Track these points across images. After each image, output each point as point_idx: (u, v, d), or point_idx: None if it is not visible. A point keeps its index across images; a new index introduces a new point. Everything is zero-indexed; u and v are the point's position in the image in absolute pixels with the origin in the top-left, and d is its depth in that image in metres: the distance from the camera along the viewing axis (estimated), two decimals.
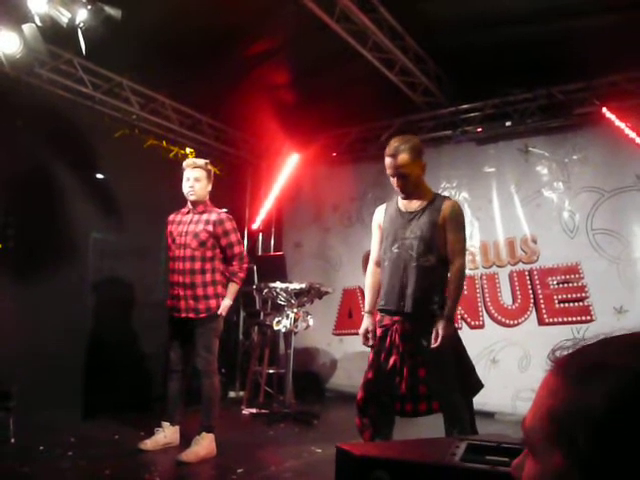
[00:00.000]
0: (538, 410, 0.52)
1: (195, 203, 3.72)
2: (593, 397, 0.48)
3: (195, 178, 3.67)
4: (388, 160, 2.84)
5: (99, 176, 5.09)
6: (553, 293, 5.10)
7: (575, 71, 4.70)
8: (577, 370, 0.51)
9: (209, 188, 3.76)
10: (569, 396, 0.50)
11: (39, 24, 3.34)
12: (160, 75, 4.95)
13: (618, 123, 4.80)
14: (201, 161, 3.79)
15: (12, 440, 3.62)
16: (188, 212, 3.77)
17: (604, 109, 4.84)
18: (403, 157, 2.80)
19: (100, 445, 3.71)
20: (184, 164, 3.76)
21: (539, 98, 5.15)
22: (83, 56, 4.18)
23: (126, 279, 5.08)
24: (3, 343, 3.90)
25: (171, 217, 3.84)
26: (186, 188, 3.68)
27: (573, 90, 5.01)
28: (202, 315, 3.62)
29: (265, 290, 5.09)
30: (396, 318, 2.84)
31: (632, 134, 4.75)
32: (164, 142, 5.60)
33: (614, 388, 0.47)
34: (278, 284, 4.95)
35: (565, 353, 0.54)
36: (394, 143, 2.85)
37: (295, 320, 4.90)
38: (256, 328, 5.81)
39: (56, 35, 3.65)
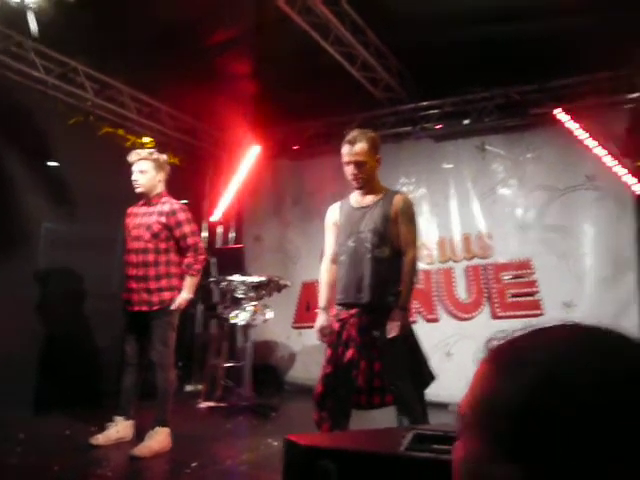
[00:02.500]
0: (469, 397, 0.55)
1: (146, 195, 3.66)
2: (512, 390, 0.50)
3: (140, 170, 3.62)
4: (346, 147, 2.90)
5: (51, 164, 4.93)
6: (505, 288, 5.24)
7: (532, 72, 4.83)
8: (502, 361, 0.54)
9: (160, 178, 3.69)
10: (494, 386, 0.52)
11: None
12: (117, 62, 4.82)
13: (571, 124, 4.95)
14: (144, 152, 3.73)
15: None
16: (143, 204, 3.72)
17: (558, 110, 4.98)
18: (361, 145, 2.86)
19: (50, 441, 3.62)
20: (128, 157, 3.69)
21: (496, 97, 5.27)
22: (35, 39, 4.03)
23: (79, 270, 4.94)
24: None
25: (129, 210, 3.79)
26: (133, 181, 3.64)
27: (529, 91, 5.14)
28: (155, 308, 3.57)
29: (223, 283, 5.05)
30: (353, 312, 2.87)
31: (583, 135, 4.91)
32: (120, 130, 5.47)
33: (526, 385, 0.49)
34: (237, 277, 4.92)
35: (498, 343, 0.56)
36: (354, 132, 2.94)
37: (254, 313, 4.89)
38: (214, 321, 5.76)
39: (6, 16, 3.52)
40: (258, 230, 6.57)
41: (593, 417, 0.46)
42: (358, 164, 2.87)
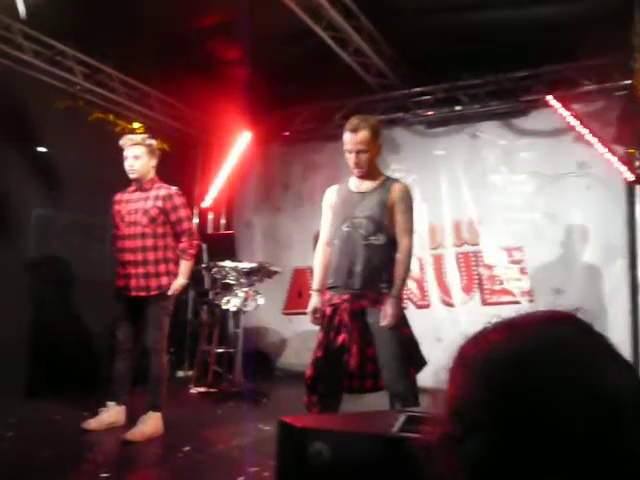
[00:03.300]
0: (445, 395, 0.61)
1: (139, 181, 3.65)
2: (477, 391, 0.57)
3: (134, 156, 3.60)
4: (348, 136, 2.86)
5: (41, 149, 4.88)
6: (496, 275, 5.28)
7: (523, 58, 4.83)
8: (469, 364, 0.60)
9: (152, 163, 3.68)
10: (463, 387, 0.59)
11: None
12: (106, 46, 4.76)
13: (562, 111, 4.97)
14: (138, 137, 3.70)
15: None
16: (135, 190, 3.69)
17: (549, 97, 4.99)
18: (364, 134, 2.83)
19: (42, 426, 3.63)
20: (121, 142, 3.66)
21: (488, 84, 5.26)
22: (23, 21, 3.96)
23: (69, 257, 4.92)
24: None
25: (117, 196, 3.76)
26: (126, 166, 3.62)
27: (520, 77, 5.14)
28: (153, 293, 3.57)
29: (214, 269, 5.05)
30: (345, 297, 2.88)
31: (575, 122, 4.93)
32: (111, 116, 5.41)
33: (488, 387, 0.56)
34: (228, 263, 4.92)
35: (465, 345, 0.62)
36: (355, 120, 2.88)
37: (245, 299, 4.89)
38: (205, 307, 5.77)
39: None
40: (249, 216, 6.56)
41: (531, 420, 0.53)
42: (360, 152, 2.86)
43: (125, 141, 3.65)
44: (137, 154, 3.60)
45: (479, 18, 4.61)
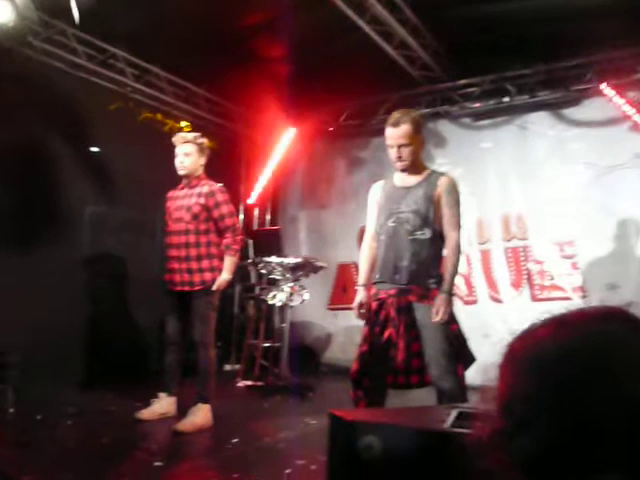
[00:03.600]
0: (495, 391, 0.61)
1: (187, 178, 3.73)
2: (525, 388, 0.57)
3: (185, 153, 3.69)
4: (390, 130, 2.86)
5: (94, 149, 5.05)
6: (546, 270, 5.14)
7: (574, 47, 4.66)
8: (517, 361, 0.60)
9: (202, 162, 3.76)
10: (512, 384, 0.59)
11: None
12: (154, 47, 4.87)
13: (616, 99, 4.78)
14: (190, 135, 3.79)
15: (11, 410, 3.67)
16: (183, 187, 3.80)
17: (603, 85, 4.81)
18: (406, 128, 2.82)
19: (98, 415, 3.77)
20: (173, 139, 3.77)
21: (538, 74, 5.11)
22: (76, 26, 4.11)
23: (122, 253, 5.08)
24: (2, 315, 3.91)
25: (169, 193, 3.87)
26: (177, 163, 3.71)
27: (572, 66, 4.96)
28: (197, 288, 3.64)
29: (261, 264, 5.11)
30: (391, 292, 2.86)
31: (630, 111, 4.74)
32: (159, 115, 5.55)
33: (535, 385, 0.57)
34: (274, 258, 4.97)
35: (514, 341, 0.63)
36: (396, 114, 2.88)
37: (290, 294, 4.93)
38: (251, 302, 5.85)
39: (49, 4, 3.59)
40: (294, 212, 6.60)
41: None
42: (402, 147, 2.84)
43: (177, 138, 3.75)
44: (187, 151, 3.69)
45: (527, 6, 4.47)
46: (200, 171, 3.77)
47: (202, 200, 3.67)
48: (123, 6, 4.09)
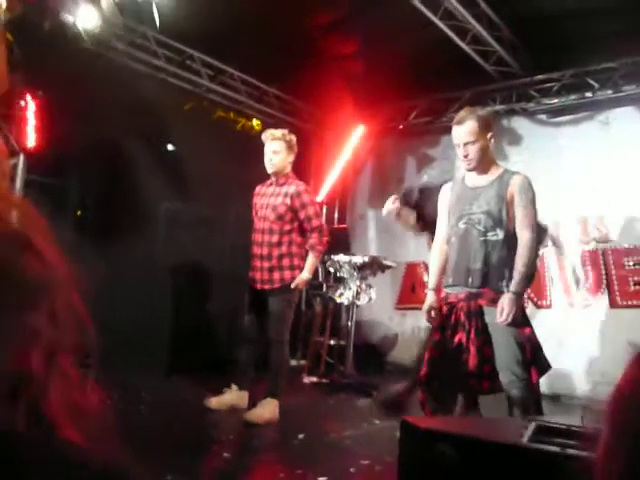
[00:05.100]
0: (615, 391, 0.58)
1: (276, 175, 3.74)
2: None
3: (273, 151, 3.68)
4: (455, 128, 2.83)
5: (169, 147, 5.25)
6: (628, 274, 4.85)
7: None
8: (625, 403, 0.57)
9: (290, 159, 3.74)
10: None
11: None
12: (228, 47, 4.99)
13: None
14: (279, 132, 3.75)
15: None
16: (271, 184, 3.79)
17: None
18: (471, 125, 2.77)
19: (171, 403, 3.90)
20: (262, 136, 3.75)
21: (622, 67, 4.83)
22: (157, 29, 4.27)
23: (195, 248, 5.25)
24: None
25: (257, 189, 3.87)
26: (265, 161, 3.70)
27: None
28: (275, 286, 3.67)
29: (328, 262, 5.14)
30: (461, 295, 2.80)
31: None
32: (231, 114, 5.69)
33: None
34: (341, 256, 4.98)
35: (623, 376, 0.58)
36: (462, 112, 2.86)
37: (357, 293, 4.93)
38: (318, 299, 5.89)
39: (131, 9, 3.76)
40: (363, 210, 6.58)
41: None
42: (467, 145, 2.78)
43: (266, 135, 3.74)
44: (276, 149, 3.68)
45: None
46: (288, 169, 3.75)
47: (288, 201, 3.65)
48: (199, 8, 4.22)
